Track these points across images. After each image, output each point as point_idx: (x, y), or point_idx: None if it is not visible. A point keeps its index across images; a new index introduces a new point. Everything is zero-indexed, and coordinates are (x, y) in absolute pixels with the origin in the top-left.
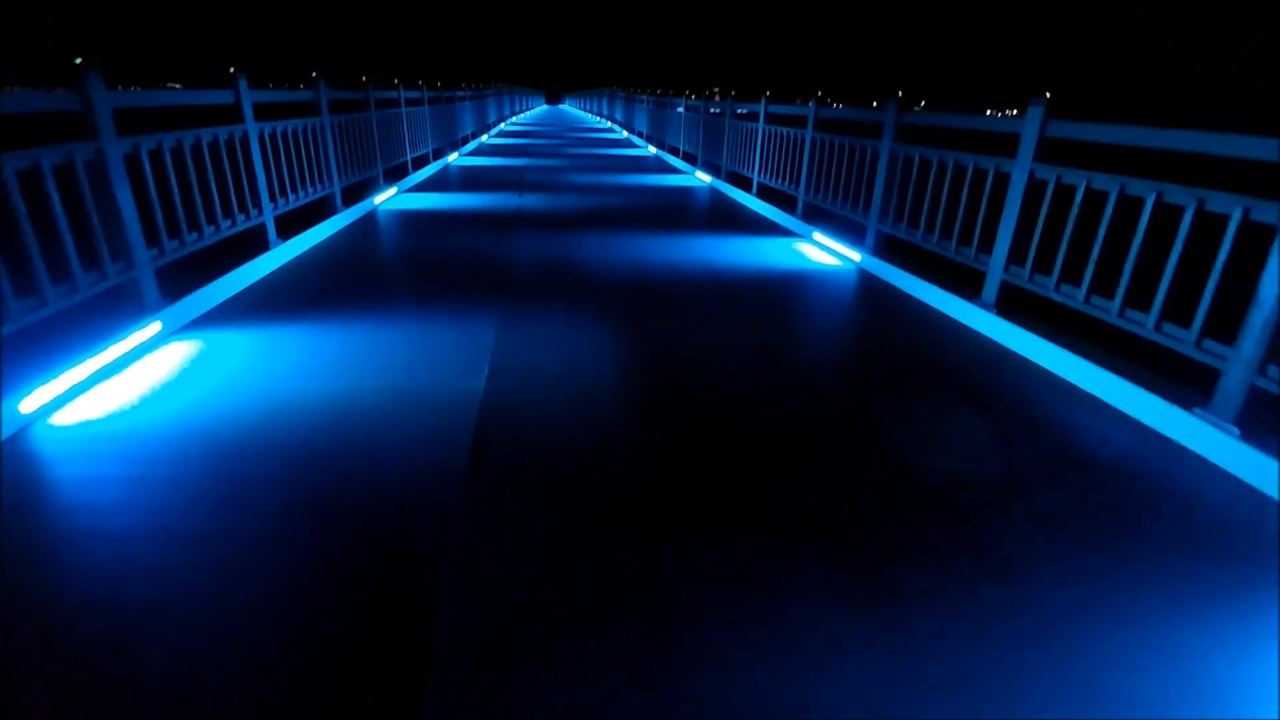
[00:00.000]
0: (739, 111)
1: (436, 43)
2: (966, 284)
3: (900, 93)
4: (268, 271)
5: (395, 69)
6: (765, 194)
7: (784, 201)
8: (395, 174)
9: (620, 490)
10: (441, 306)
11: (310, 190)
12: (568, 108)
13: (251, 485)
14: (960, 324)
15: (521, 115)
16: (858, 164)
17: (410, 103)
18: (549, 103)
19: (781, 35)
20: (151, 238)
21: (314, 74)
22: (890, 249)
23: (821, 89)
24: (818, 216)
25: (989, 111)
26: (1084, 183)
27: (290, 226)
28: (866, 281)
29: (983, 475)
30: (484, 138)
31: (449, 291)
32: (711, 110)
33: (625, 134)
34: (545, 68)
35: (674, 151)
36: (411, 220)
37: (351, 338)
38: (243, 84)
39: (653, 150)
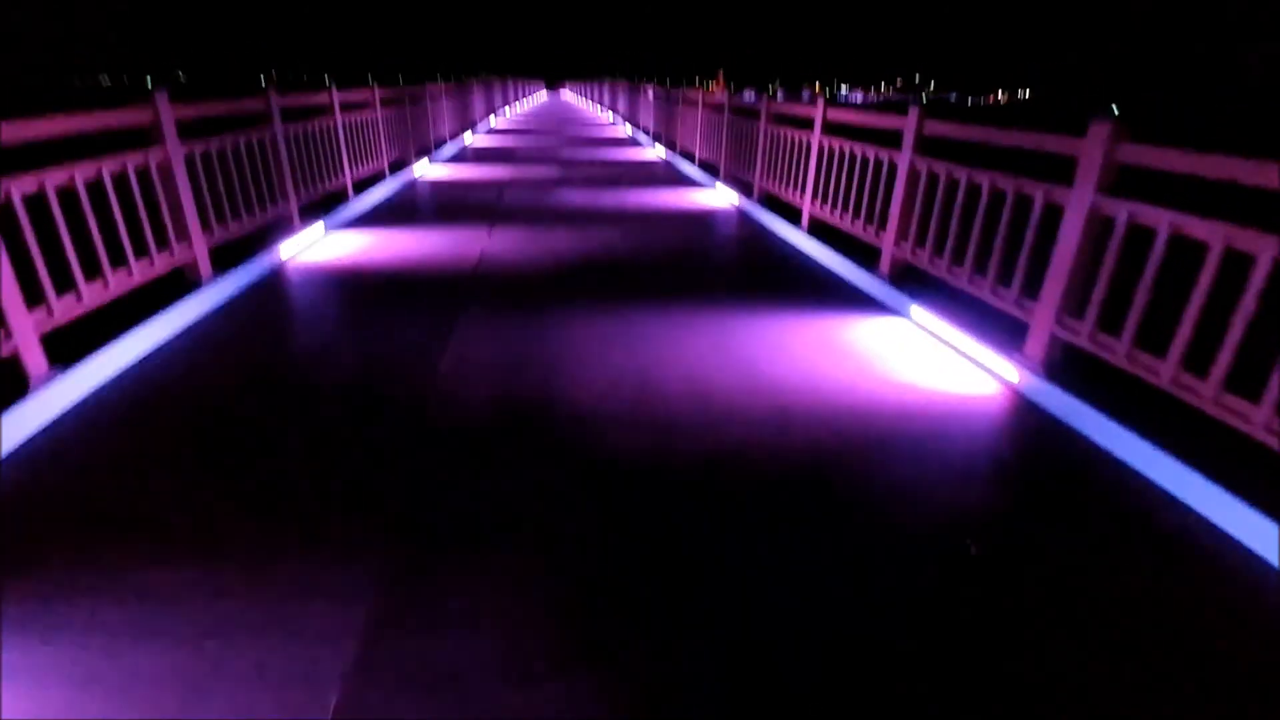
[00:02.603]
0: (778, 112)
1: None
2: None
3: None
4: None
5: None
6: (819, 227)
7: (849, 241)
8: (331, 201)
9: None
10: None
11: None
12: (568, 95)
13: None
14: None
15: (519, 106)
16: (1009, 214)
17: (349, 107)
18: (549, 89)
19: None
20: None
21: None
22: (1075, 366)
23: (908, 75)
24: (915, 279)
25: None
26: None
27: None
28: (1061, 445)
29: None
30: (467, 137)
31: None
32: (740, 107)
33: (629, 130)
34: (544, 55)
35: (688, 155)
36: (319, 289)
37: None
38: None
39: (662, 153)
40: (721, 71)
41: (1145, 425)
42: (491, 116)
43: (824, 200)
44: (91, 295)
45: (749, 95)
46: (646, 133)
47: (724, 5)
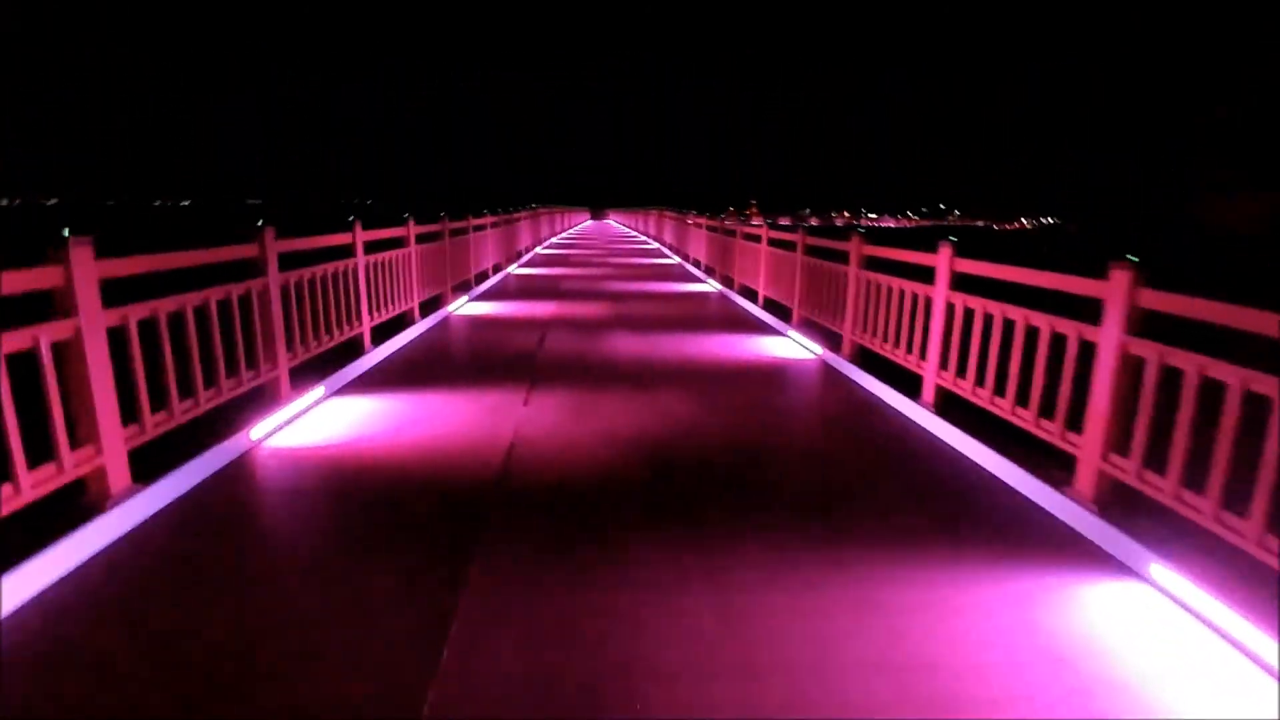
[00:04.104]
0: (871, 255)
1: (469, 166)
2: None
3: None
4: None
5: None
6: (949, 400)
7: (989, 421)
8: (343, 353)
9: None
10: None
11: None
12: (611, 222)
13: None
14: None
15: (565, 234)
16: None
17: (375, 247)
18: (593, 217)
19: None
20: None
21: None
22: None
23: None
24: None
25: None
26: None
27: None
28: None
29: None
30: (512, 269)
31: None
32: (818, 248)
33: (677, 260)
34: (588, 187)
35: (748, 293)
36: (278, 500)
37: None
38: None
39: (716, 287)
40: (755, 201)
41: None
42: (537, 247)
43: (958, 369)
44: None
45: (784, 222)
46: (698, 265)
47: (753, 136)
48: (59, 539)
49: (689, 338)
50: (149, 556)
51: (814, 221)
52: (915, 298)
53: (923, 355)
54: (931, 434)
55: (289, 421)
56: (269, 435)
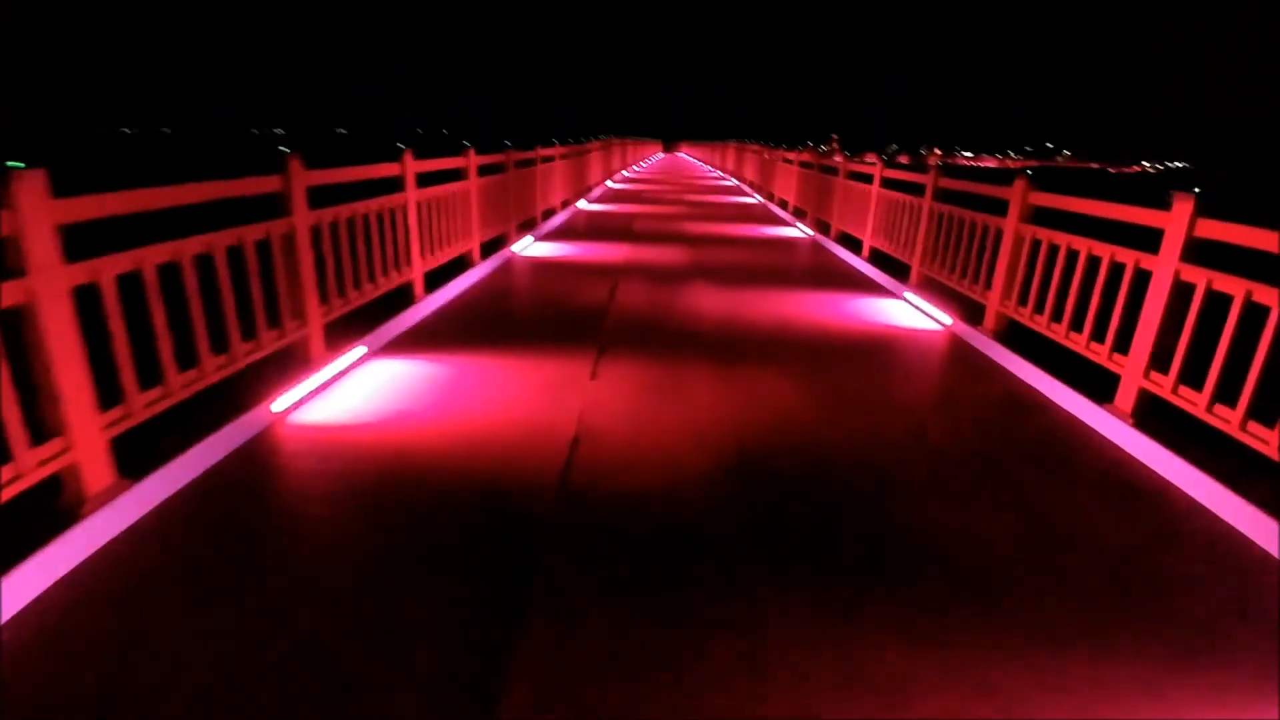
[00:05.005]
0: (850, 169)
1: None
2: None
3: None
4: None
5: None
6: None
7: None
8: (392, 302)
9: None
10: None
11: None
12: (683, 154)
13: None
14: None
15: (638, 166)
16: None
17: (429, 179)
18: (665, 150)
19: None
20: None
21: None
22: None
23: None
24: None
25: None
26: None
27: None
28: None
29: None
30: (581, 204)
31: None
32: (823, 164)
33: (759, 200)
34: (663, 118)
35: (848, 243)
36: (286, 512)
37: None
38: None
39: (807, 231)
40: (835, 136)
41: None
42: (608, 181)
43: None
44: None
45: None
46: (784, 206)
47: (840, 71)
48: (20, 562)
49: (782, 295)
50: (131, 576)
51: (904, 159)
52: (1121, 268)
53: (1123, 349)
54: (1131, 455)
55: (321, 389)
56: (294, 408)
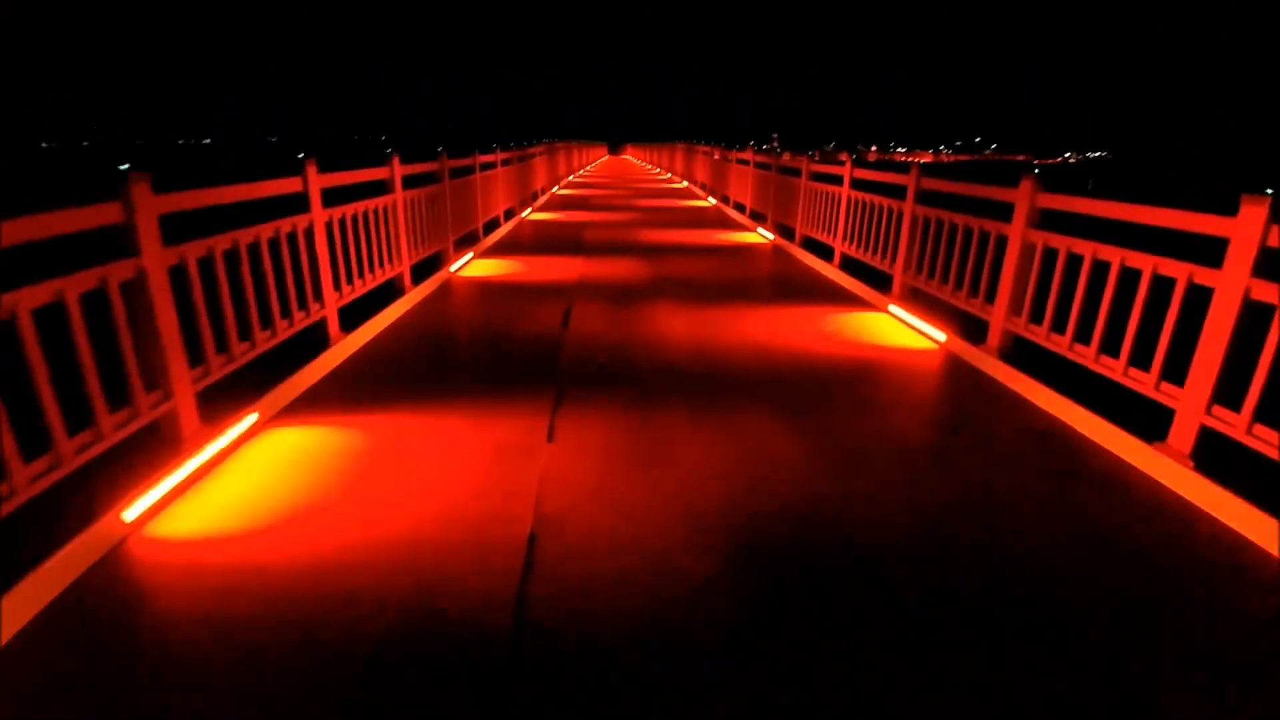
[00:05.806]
0: (814, 170)
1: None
2: None
3: None
4: None
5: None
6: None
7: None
8: (299, 351)
9: None
10: None
11: None
12: (629, 156)
13: None
14: None
15: (584, 171)
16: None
17: (337, 198)
18: (611, 152)
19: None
20: None
21: None
22: None
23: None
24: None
25: None
26: None
27: None
28: None
29: None
30: (527, 213)
31: None
32: (784, 165)
33: (714, 203)
34: (607, 121)
35: (816, 248)
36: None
37: None
38: None
39: (767, 235)
40: (776, 135)
41: None
42: (555, 186)
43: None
44: None
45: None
46: (741, 210)
47: (776, 71)
48: None
49: (756, 312)
50: None
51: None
52: (1167, 283)
53: (1175, 379)
54: (1198, 507)
55: (194, 480)
56: (153, 513)
